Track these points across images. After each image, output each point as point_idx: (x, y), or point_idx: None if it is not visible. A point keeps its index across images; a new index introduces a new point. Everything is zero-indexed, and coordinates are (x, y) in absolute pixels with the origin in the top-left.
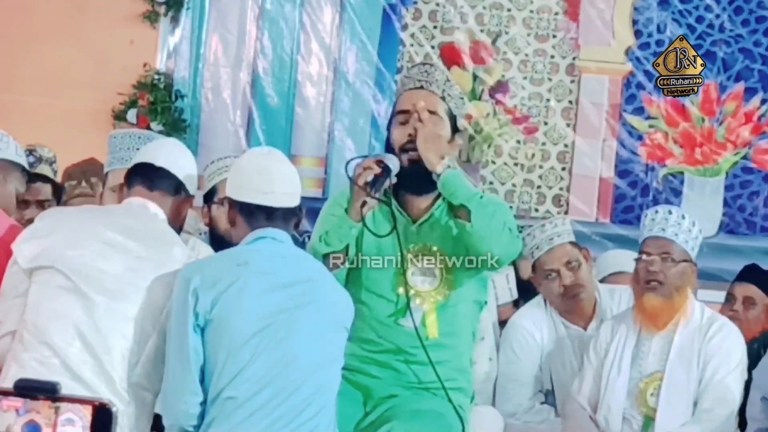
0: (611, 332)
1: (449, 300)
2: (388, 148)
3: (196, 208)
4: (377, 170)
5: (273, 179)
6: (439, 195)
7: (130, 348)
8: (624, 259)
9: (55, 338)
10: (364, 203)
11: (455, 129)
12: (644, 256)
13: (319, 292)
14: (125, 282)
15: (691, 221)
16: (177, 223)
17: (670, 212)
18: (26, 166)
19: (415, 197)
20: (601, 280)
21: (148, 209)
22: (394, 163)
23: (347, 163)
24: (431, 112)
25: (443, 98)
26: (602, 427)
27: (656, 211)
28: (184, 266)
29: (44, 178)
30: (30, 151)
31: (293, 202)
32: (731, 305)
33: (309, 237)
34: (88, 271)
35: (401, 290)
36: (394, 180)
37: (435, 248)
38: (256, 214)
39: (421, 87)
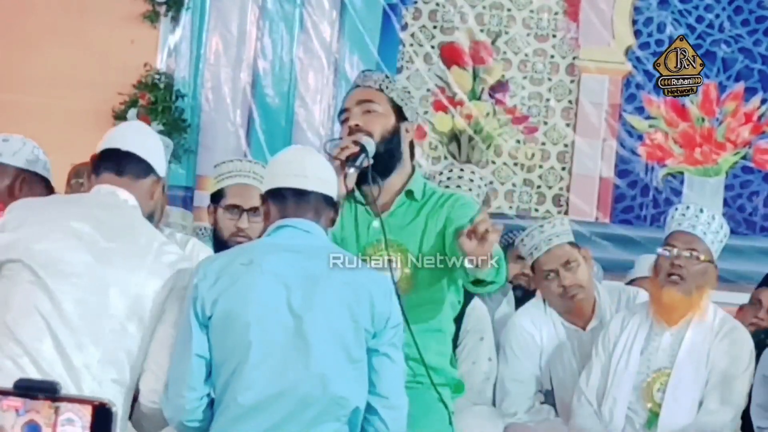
0: (621, 325)
1: (412, 297)
2: None
3: (200, 208)
4: (354, 148)
5: (305, 164)
6: (400, 190)
7: (104, 345)
8: None
9: (25, 336)
10: (345, 177)
11: (402, 117)
12: (669, 249)
13: (327, 291)
14: (94, 276)
15: (719, 223)
16: (150, 206)
17: (701, 210)
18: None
19: (369, 189)
20: (631, 281)
21: (118, 196)
22: (370, 144)
23: (326, 143)
24: (363, 101)
25: (380, 90)
26: (606, 420)
27: (687, 207)
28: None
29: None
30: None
31: (327, 189)
32: (756, 311)
33: None
34: (55, 265)
35: None
36: (371, 160)
37: (396, 245)
38: (286, 199)
39: (357, 86)
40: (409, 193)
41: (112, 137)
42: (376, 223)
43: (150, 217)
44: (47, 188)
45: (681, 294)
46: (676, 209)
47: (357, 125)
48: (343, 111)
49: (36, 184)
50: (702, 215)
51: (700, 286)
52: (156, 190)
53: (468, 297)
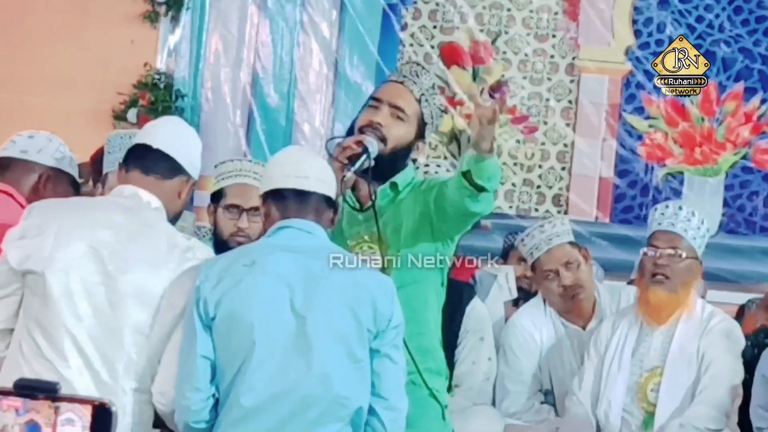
0: (612, 328)
1: (396, 283)
2: (350, 131)
3: (200, 208)
4: (357, 150)
5: (305, 165)
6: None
7: (126, 356)
8: None
9: (51, 352)
10: (342, 179)
11: (421, 135)
12: (652, 250)
13: (329, 291)
14: (114, 288)
15: (700, 219)
16: (175, 207)
17: (680, 208)
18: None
19: (363, 184)
20: (632, 281)
21: (141, 198)
22: (373, 145)
23: (327, 141)
24: (396, 107)
25: (419, 101)
26: (602, 423)
27: (666, 206)
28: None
29: None
30: None
31: (327, 190)
32: None
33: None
34: (75, 277)
35: None
36: (372, 162)
37: (380, 235)
38: (288, 200)
39: (402, 82)
40: (393, 185)
41: (146, 131)
42: (360, 216)
43: (176, 217)
44: (73, 185)
45: (667, 293)
46: (656, 209)
47: (379, 123)
48: (375, 98)
49: (61, 181)
50: (681, 212)
51: (686, 283)
52: (184, 190)
53: (468, 297)
